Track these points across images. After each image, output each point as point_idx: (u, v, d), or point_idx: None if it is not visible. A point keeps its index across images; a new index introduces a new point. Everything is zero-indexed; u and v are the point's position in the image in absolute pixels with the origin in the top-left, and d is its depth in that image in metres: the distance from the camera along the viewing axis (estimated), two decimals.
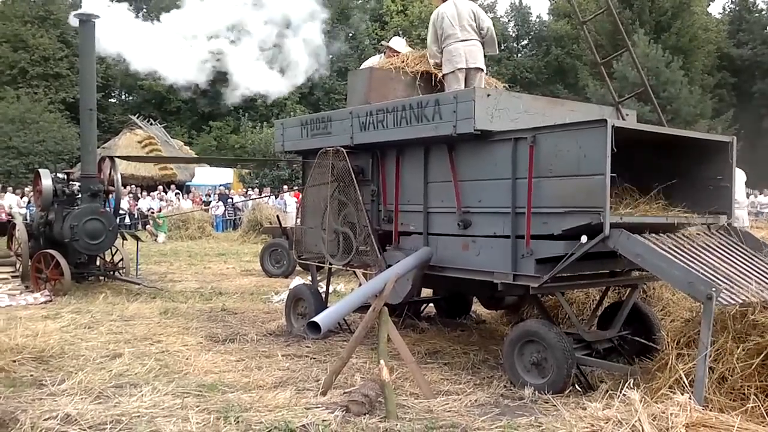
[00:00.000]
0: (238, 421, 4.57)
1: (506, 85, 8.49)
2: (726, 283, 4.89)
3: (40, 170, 11.50)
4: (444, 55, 7.30)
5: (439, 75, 7.45)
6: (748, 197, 11.87)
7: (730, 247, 5.61)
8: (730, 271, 5.16)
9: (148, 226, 23.65)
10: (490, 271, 5.88)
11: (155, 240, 21.99)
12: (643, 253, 4.99)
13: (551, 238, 5.43)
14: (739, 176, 8.45)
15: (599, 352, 5.93)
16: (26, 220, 13.32)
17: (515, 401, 5.24)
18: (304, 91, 48.69)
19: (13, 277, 10.91)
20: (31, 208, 19.96)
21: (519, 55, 56.38)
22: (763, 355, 4.35)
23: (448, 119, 5.95)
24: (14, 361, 6.14)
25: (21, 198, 24.65)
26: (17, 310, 9.02)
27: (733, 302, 4.67)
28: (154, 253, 17.68)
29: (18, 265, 11.24)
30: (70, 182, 11.64)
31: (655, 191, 5.87)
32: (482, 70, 7.40)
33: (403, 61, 7.60)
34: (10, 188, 26.77)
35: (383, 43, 8.71)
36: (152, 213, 25.17)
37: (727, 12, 50.32)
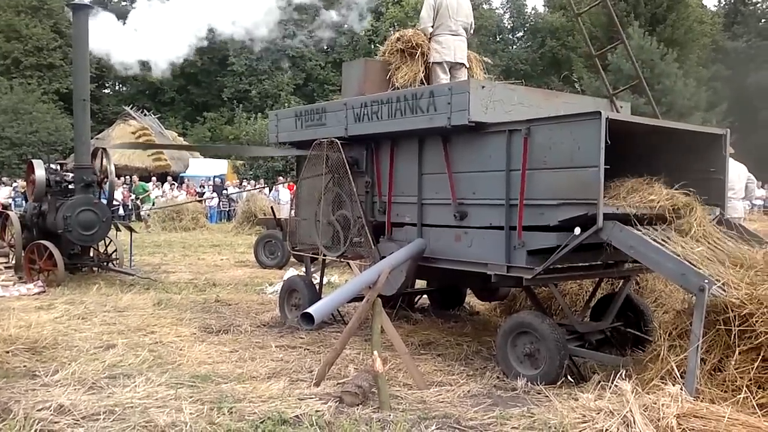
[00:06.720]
0: (231, 412, 4.58)
1: (501, 77, 8.62)
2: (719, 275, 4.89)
3: (33, 161, 11.45)
4: (433, 44, 7.38)
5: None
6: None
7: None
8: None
9: (142, 213, 23.54)
10: (484, 262, 5.90)
11: (142, 220, 21.80)
12: (636, 245, 5.00)
13: (546, 230, 5.44)
14: (740, 170, 8.48)
15: (592, 343, 5.97)
16: (15, 209, 13.26)
17: (508, 392, 5.26)
18: (299, 82, 48.56)
19: (6, 267, 10.91)
20: (18, 199, 19.82)
21: (514, 46, 56.34)
22: (754, 347, 4.37)
23: (443, 111, 5.94)
24: (7, 352, 6.14)
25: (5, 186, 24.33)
26: (10, 301, 9.00)
27: (725, 294, 4.68)
28: (148, 244, 17.65)
29: (11, 256, 11.22)
30: (64, 173, 11.60)
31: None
32: (465, 66, 7.57)
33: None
34: (5, 179, 26.54)
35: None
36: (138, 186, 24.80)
37: (722, 4, 50.36)
